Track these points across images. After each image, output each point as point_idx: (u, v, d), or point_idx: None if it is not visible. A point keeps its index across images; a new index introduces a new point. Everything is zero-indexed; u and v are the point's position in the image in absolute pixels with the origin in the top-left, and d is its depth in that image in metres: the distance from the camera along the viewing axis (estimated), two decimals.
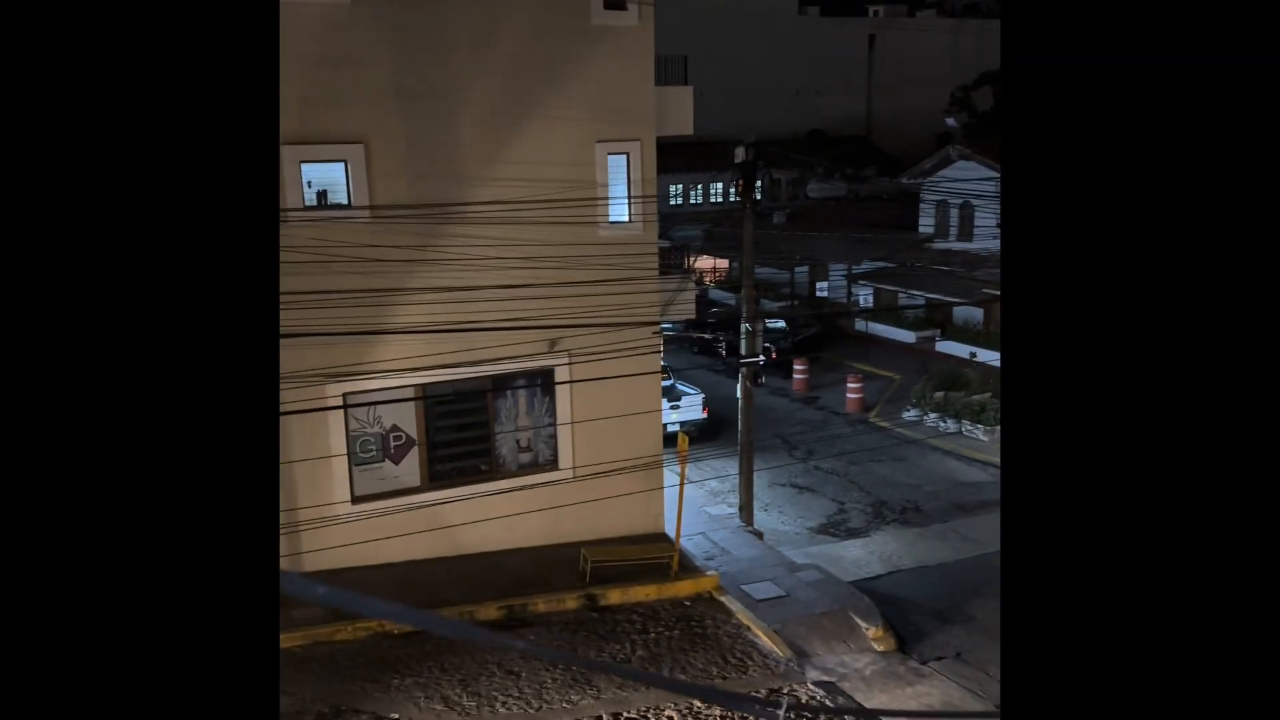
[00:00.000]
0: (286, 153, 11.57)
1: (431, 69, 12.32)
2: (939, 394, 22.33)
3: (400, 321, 12.35)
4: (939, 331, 27.67)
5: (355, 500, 12.90)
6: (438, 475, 13.38)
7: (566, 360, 13.44)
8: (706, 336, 27.42)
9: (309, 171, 12.06)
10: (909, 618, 12.96)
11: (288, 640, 10.98)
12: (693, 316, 16.00)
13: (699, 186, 44.34)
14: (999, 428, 20.57)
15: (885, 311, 29.65)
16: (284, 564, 11.55)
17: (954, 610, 13.17)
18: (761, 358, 15.90)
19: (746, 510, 15.93)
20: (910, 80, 54.44)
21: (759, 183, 16.00)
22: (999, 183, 26.91)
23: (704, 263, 37.14)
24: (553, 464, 13.85)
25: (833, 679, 11.22)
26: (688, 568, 13.39)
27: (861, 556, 15.40)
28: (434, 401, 13.23)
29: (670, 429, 17.35)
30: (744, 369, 15.67)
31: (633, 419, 13.70)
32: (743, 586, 13.24)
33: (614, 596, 12.61)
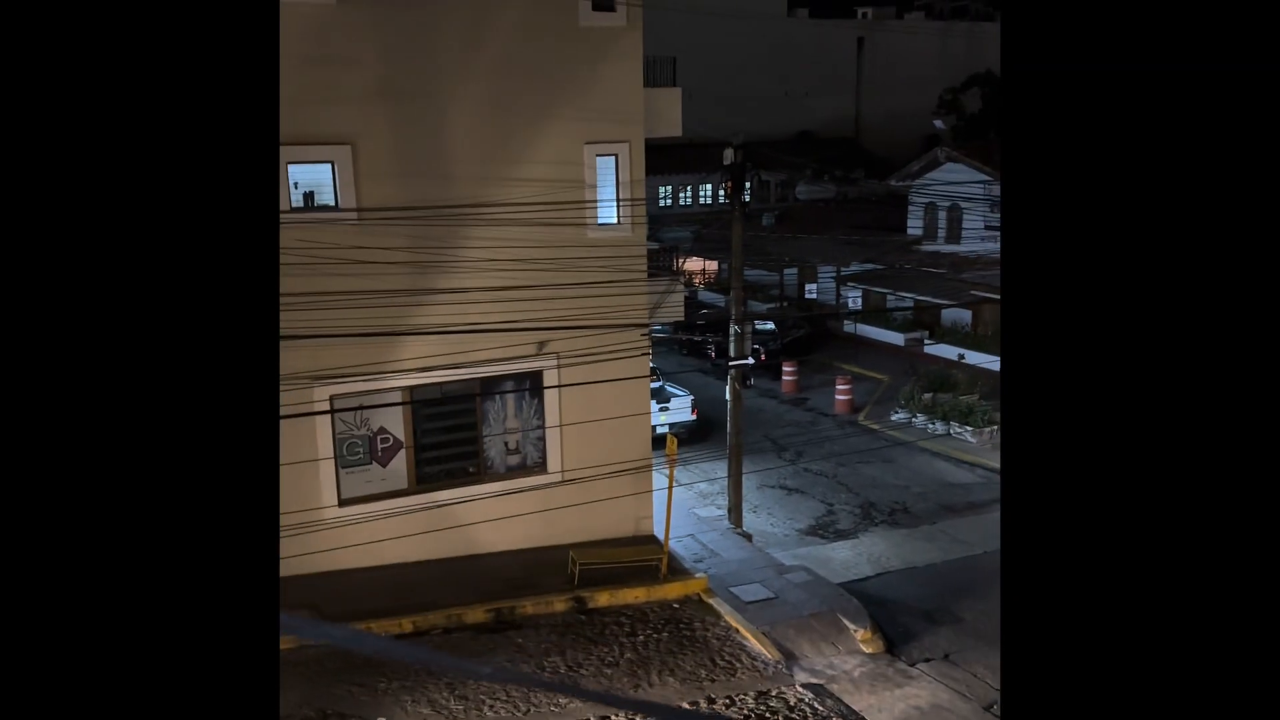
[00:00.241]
0: None
1: (419, 70, 12.28)
2: (927, 395, 22.38)
3: (388, 324, 12.30)
4: (927, 333, 27.74)
5: (342, 503, 12.85)
6: (425, 478, 13.34)
7: (555, 362, 13.41)
8: (696, 338, 27.47)
9: (296, 173, 12.00)
10: (897, 619, 12.97)
11: None
12: (682, 318, 16.00)
13: (688, 188, 44.35)
14: (987, 429, 20.64)
15: (874, 313, 29.71)
16: None
17: (942, 611, 13.19)
18: (750, 359, 15.90)
19: (735, 512, 15.92)
20: (899, 82, 54.60)
21: (748, 184, 16.01)
22: (987, 185, 27.03)
23: (693, 264, 37.20)
24: (541, 466, 13.82)
25: (821, 681, 11.22)
26: (676, 570, 13.38)
27: (850, 558, 15.41)
28: (422, 404, 13.19)
29: (659, 431, 17.36)
30: (733, 371, 15.67)
31: (622, 421, 13.68)
32: (731, 589, 13.24)
33: (602, 599, 12.59)
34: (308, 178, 12.15)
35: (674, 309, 14.20)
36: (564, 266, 12.49)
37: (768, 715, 10.38)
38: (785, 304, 32.93)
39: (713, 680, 10.97)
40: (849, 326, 30.36)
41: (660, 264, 14.69)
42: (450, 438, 13.53)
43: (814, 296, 32.73)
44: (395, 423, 13.07)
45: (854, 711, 10.61)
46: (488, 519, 13.38)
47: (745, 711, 10.42)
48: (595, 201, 13.26)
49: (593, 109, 13.03)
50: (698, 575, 13.33)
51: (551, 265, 12.45)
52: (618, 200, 13.44)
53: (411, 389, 12.95)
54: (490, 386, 13.49)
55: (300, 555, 12.15)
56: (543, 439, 13.78)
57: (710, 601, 12.80)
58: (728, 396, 15.84)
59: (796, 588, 13.35)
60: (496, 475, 13.66)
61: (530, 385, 13.65)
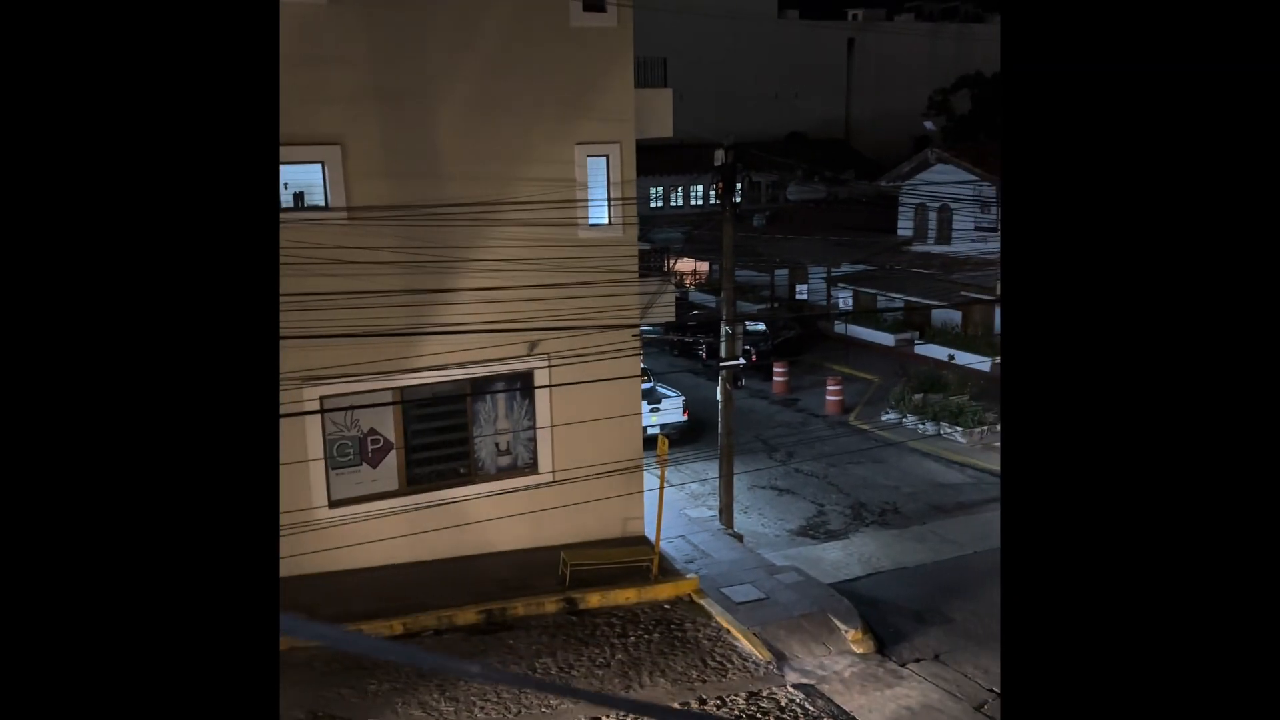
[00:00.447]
0: None
1: (409, 70, 12.25)
2: (917, 396, 22.43)
3: (378, 324, 12.26)
4: (918, 334, 27.81)
5: (333, 504, 12.81)
6: (416, 479, 13.30)
7: (546, 363, 13.39)
8: (687, 339, 27.48)
9: (286, 173, 11.95)
10: (888, 619, 12.99)
11: None
12: (673, 319, 15.99)
13: (679, 189, 44.38)
14: (977, 430, 20.69)
15: (864, 314, 29.77)
16: None
17: (932, 612, 13.21)
18: (741, 360, 15.91)
19: (726, 513, 15.93)
20: (889, 84, 54.81)
21: (738, 185, 16.02)
22: (977, 186, 27.12)
23: (684, 265, 37.22)
24: (532, 467, 13.80)
25: (812, 681, 11.23)
26: (667, 571, 13.37)
27: (841, 559, 15.43)
28: (412, 404, 13.15)
29: (650, 432, 17.36)
30: (724, 371, 15.67)
31: (613, 422, 13.67)
32: (722, 589, 13.24)
33: (593, 600, 12.57)
34: (298, 178, 12.11)
35: (665, 310, 14.19)
36: (555, 267, 12.47)
37: (759, 716, 10.38)
38: (776, 305, 32.98)
39: (704, 681, 10.97)
40: (839, 327, 30.41)
41: (651, 264, 14.66)
42: (441, 438, 13.49)
43: (805, 297, 32.79)
44: (386, 424, 13.03)
45: (845, 712, 10.63)
46: (479, 520, 13.36)
47: (736, 712, 10.42)
48: (586, 202, 13.25)
49: (583, 109, 13.02)
50: (689, 576, 13.32)
51: (543, 266, 12.43)
52: (609, 201, 13.43)
53: (402, 389, 12.92)
54: (481, 387, 13.47)
55: (291, 556, 12.10)
56: (534, 440, 13.76)
57: (701, 602, 12.80)
58: (719, 397, 15.84)
59: (787, 588, 13.36)
60: (487, 476, 13.63)
61: (521, 386, 13.62)
